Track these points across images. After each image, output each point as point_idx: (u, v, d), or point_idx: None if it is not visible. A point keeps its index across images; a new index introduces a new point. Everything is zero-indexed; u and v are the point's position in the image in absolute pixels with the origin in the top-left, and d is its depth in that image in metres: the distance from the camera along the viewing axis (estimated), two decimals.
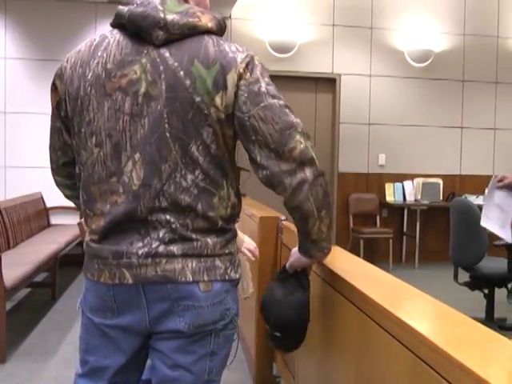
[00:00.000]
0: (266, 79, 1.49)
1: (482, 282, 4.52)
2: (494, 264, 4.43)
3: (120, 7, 1.50)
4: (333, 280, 1.94)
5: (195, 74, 1.42)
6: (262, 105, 1.44)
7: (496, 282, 4.47)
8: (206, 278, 1.48)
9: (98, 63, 1.48)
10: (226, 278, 1.52)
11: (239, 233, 2.16)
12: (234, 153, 1.56)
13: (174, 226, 1.46)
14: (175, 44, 1.45)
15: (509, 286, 4.48)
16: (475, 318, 1.40)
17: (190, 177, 1.45)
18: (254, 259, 2.38)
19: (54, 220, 6.98)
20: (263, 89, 1.46)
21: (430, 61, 7.98)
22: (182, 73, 1.42)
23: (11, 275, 3.99)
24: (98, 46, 1.51)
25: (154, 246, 1.46)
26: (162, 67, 1.43)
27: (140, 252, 1.46)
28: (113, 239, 1.49)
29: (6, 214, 5.53)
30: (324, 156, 7.57)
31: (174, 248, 1.46)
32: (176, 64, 1.43)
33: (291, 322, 1.96)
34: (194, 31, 1.46)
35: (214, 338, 1.53)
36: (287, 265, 1.97)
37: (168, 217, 1.46)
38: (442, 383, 1.16)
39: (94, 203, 1.52)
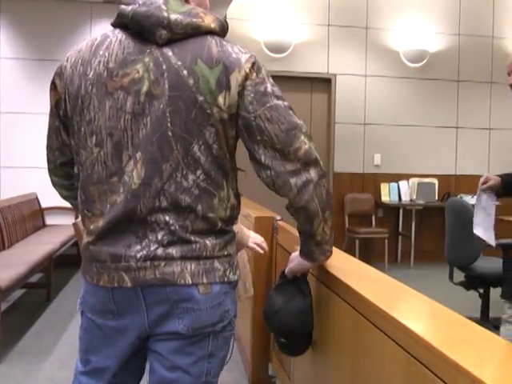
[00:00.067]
0: (271, 80, 1.50)
1: (477, 282, 4.53)
2: (489, 264, 4.44)
3: (122, 6, 1.50)
4: (328, 280, 1.94)
5: (198, 74, 1.42)
6: (268, 105, 1.45)
7: (491, 282, 4.47)
8: (205, 281, 1.47)
9: (99, 62, 1.48)
10: (225, 280, 1.52)
11: (244, 228, 2.16)
12: (235, 154, 1.56)
13: (172, 227, 1.45)
14: (178, 44, 1.45)
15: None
16: (470, 318, 1.40)
17: (191, 177, 1.44)
18: (262, 252, 2.37)
19: (49, 220, 6.96)
20: (269, 89, 1.47)
21: (425, 61, 8.00)
22: (185, 72, 1.42)
23: (6, 276, 3.99)
24: (100, 45, 1.50)
25: (152, 248, 1.45)
26: (164, 66, 1.43)
27: (138, 255, 1.45)
28: (110, 240, 1.48)
29: (0, 214, 5.52)
30: (319, 156, 7.55)
31: (173, 250, 1.45)
32: (179, 63, 1.42)
33: (293, 328, 1.96)
34: (198, 31, 1.46)
35: (213, 339, 1.53)
36: (286, 270, 1.96)
37: (167, 218, 1.45)
38: (437, 383, 1.16)
39: (93, 203, 1.51)
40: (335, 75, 7.81)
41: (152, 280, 1.45)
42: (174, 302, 1.46)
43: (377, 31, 7.91)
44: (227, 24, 1.56)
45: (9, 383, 3.47)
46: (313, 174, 1.49)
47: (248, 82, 1.44)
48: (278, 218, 3.25)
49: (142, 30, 1.45)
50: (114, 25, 1.55)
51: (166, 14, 1.43)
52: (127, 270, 1.46)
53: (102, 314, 1.55)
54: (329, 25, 7.77)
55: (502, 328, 2.97)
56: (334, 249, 1.76)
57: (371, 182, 7.96)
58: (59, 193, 1.79)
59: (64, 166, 1.67)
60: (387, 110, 7.97)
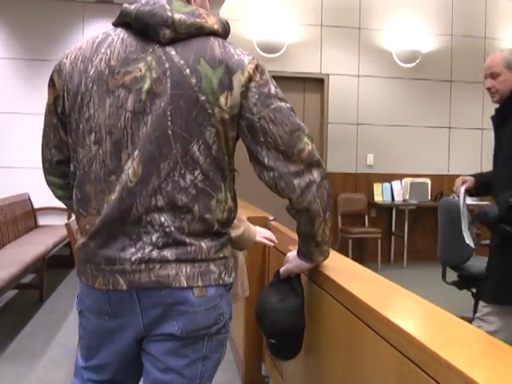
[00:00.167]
0: (274, 82, 1.51)
1: (470, 282, 4.53)
2: (481, 263, 4.41)
3: (125, 5, 1.49)
4: (321, 280, 1.94)
5: (201, 73, 1.42)
6: (272, 107, 1.46)
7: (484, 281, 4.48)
8: (200, 284, 1.47)
9: (101, 59, 1.47)
10: (221, 282, 1.51)
11: (250, 224, 2.16)
12: (233, 156, 1.56)
13: (168, 229, 1.44)
14: (181, 43, 1.45)
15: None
16: (463, 318, 1.41)
17: (188, 177, 1.44)
18: (272, 245, 2.37)
19: (41, 221, 6.94)
20: (273, 91, 1.48)
21: (417, 61, 8.02)
22: (187, 71, 1.42)
23: None
24: (101, 42, 1.50)
25: (147, 250, 1.44)
26: (167, 64, 1.43)
27: (133, 258, 1.44)
28: (103, 241, 1.47)
29: None
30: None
31: (168, 253, 1.44)
32: (182, 62, 1.42)
33: (285, 328, 1.96)
34: (201, 32, 1.46)
35: (207, 342, 1.52)
36: (282, 270, 1.96)
37: (163, 219, 1.44)
38: (429, 382, 1.16)
39: (89, 202, 1.50)
40: (328, 75, 7.82)
41: (147, 283, 1.44)
42: (168, 305, 1.46)
43: (369, 31, 7.93)
44: (229, 26, 1.57)
45: None
46: (315, 175, 1.50)
47: (252, 84, 1.45)
48: (271, 218, 3.25)
49: (145, 28, 1.45)
50: (116, 24, 1.54)
51: (170, 14, 1.43)
52: (122, 273, 1.45)
53: (98, 314, 1.55)
54: (321, 25, 7.77)
55: (473, 323, 2.98)
56: None
57: (364, 181, 7.98)
58: (54, 192, 1.77)
59: (60, 164, 1.65)
60: (380, 110, 7.98)
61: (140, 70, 1.44)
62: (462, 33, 8.14)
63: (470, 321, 3.05)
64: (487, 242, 4.03)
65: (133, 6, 1.47)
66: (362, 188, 7.96)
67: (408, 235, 7.73)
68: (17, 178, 6.72)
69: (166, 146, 1.42)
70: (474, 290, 4.60)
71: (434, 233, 5.59)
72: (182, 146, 1.43)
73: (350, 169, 7.94)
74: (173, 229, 1.44)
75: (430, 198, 7.95)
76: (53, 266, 6.06)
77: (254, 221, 3.31)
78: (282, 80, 7.60)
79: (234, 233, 1.96)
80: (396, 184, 7.96)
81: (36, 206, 6.83)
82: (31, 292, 5.51)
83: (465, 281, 4.55)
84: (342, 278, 1.80)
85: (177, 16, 1.43)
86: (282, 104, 1.48)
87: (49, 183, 1.75)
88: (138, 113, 1.43)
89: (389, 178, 7.99)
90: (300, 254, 1.77)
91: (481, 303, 3.04)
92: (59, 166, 1.66)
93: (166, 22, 1.42)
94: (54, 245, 5.71)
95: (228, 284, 1.55)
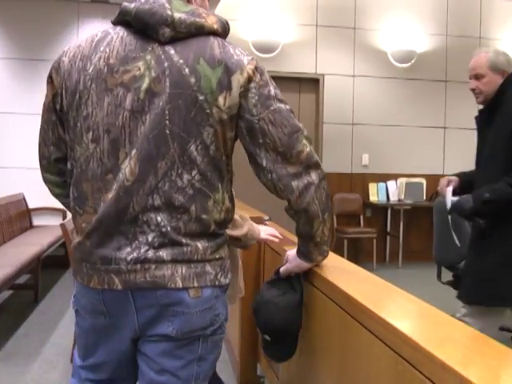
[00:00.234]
0: (273, 83, 1.52)
1: None
2: None
3: (125, 3, 1.49)
4: (316, 280, 1.94)
5: (201, 73, 1.42)
6: (271, 108, 1.46)
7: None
8: (195, 284, 1.46)
9: (100, 58, 1.47)
10: (216, 283, 1.51)
11: (253, 223, 2.16)
12: (232, 156, 1.55)
13: (164, 229, 1.44)
14: (181, 42, 1.44)
15: None
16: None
17: (186, 176, 1.43)
18: (277, 241, 2.37)
19: (36, 221, 6.92)
20: (272, 92, 1.48)
21: (412, 61, 8.03)
22: (187, 70, 1.42)
23: None
24: (101, 41, 1.49)
25: (142, 250, 1.44)
26: (166, 63, 1.43)
27: (129, 258, 1.44)
28: (99, 240, 1.47)
29: None
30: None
31: (164, 253, 1.44)
32: (181, 61, 1.42)
33: (281, 323, 1.95)
34: (201, 31, 1.46)
35: (203, 343, 1.52)
36: (282, 269, 1.96)
37: (159, 219, 1.43)
38: (424, 382, 1.17)
39: (85, 200, 1.50)
40: (323, 75, 7.83)
41: (142, 283, 1.44)
42: (163, 305, 1.45)
43: (365, 31, 7.94)
44: (228, 25, 1.57)
45: None
46: (314, 176, 1.51)
47: (252, 85, 1.45)
48: (266, 218, 3.25)
49: (145, 27, 1.45)
50: (115, 22, 1.54)
51: (169, 13, 1.43)
52: (117, 273, 1.45)
53: (93, 314, 1.54)
54: (317, 25, 7.78)
55: None
56: None
57: (359, 181, 7.98)
58: (51, 190, 1.75)
59: (58, 161, 1.64)
60: (375, 110, 7.99)
61: (139, 69, 1.44)
62: (457, 33, 8.16)
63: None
64: None
65: (132, 5, 1.47)
66: (357, 188, 7.96)
67: (403, 235, 7.74)
68: (12, 178, 6.70)
69: (163, 145, 1.42)
70: None
71: (429, 233, 5.59)
72: (180, 145, 1.42)
73: (345, 169, 7.94)
74: (169, 229, 1.44)
75: (425, 197, 7.96)
76: (48, 267, 6.05)
77: None
78: (277, 80, 7.50)
79: (238, 232, 1.96)
80: (391, 184, 7.98)
81: (31, 206, 6.81)
82: (26, 292, 5.49)
83: (460, 280, 4.55)
84: (337, 278, 1.80)
85: (177, 15, 1.43)
86: (282, 105, 1.49)
87: (46, 181, 1.73)
88: (137, 112, 1.43)
89: (384, 177, 8.01)
90: (299, 253, 1.78)
91: (460, 303, 3.01)
92: (57, 163, 1.65)
93: (165, 20, 1.42)
94: (49, 245, 5.69)
95: (224, 285, 1.55)
